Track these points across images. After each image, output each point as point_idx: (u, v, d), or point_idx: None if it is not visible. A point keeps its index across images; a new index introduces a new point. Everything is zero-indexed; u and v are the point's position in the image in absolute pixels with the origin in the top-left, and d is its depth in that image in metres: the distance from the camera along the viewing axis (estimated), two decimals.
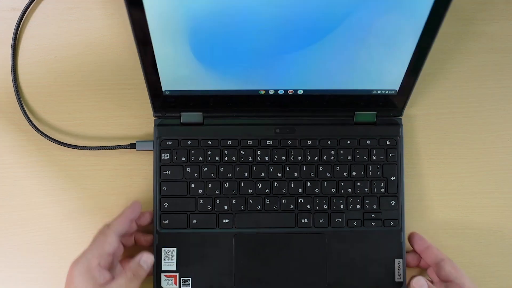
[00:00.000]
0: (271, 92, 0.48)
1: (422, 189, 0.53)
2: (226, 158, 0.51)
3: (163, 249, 0.50)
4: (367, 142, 0.51)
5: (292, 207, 0.51)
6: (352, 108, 0.51)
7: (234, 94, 0.49)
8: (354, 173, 0.51)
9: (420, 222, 0.53)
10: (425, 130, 0.54)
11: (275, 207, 0.51)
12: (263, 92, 0.48)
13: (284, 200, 0.51)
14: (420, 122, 0.54)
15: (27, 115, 0.54)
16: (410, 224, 0.52)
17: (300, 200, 0.51)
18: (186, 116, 0.51)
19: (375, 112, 0.51)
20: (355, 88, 0.47)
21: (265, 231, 0.50)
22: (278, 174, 0.51)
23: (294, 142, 0.51)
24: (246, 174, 0.51)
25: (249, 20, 0.37)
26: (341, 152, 0.51)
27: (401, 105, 0.50)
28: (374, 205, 0.50)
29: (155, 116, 0.52)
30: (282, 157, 0.51)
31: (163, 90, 0.48)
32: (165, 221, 0.51)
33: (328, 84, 0.47)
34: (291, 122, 0.52)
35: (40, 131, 0.54)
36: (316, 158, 0.51)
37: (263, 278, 0.50)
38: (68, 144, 0.54)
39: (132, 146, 0.53)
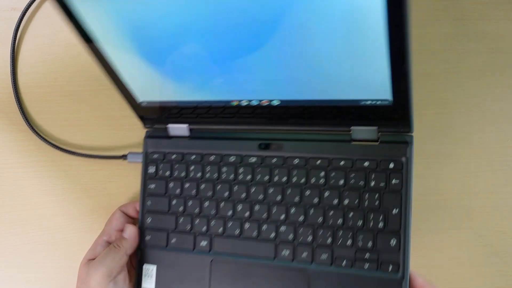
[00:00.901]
0: (245, 103, 0.44)
1: (421, 188, 0.52)
2: (207, 175, 0.48)
3: (144, 265, 0.49)
4: (365, 164, 0.43)
5: (272, 235, 0.45)
6: (347, 122, 0.43)
7: (210, 106, 0.46)
8: (346, 201, 0.43)
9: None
10: (424, 131, 0.53)
11: (254, 233, 0.45)
12: (235, 103, 0.44)
13: (264, 227, 0.45)
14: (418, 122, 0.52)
15: (25, 116, 0.54)
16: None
17: (282, 228, 0.45)
18: (173, 129, 0.50)
19: (376, 127, 0.42)
20: (335, 98, 0.40)
21: (242, 260, 0.46)
22: (260, 197, 0.46)
23: (279, 161, 0.45)
24: (226, 194, 0.47)
25: (191, 29, 0.35)
26: (332, 174, 0.43)
27: (404, 117, 0.40)
28: (369, 243, 0.42)
29: (145, 127, 0.51)
30: (265, 177, 0.46)
31: (140, 101, 0.47)
32: (147, 237, 0.49)
33: (304, 95, 0.41)
34: (278, 137, 0.46)
35: (38, 133, 0.54)
36: (302, 181, 0.44)
37: None
38: (64, 149, 0.54)
39: (124, 157, 0.53)
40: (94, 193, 0.55)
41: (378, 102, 0.39)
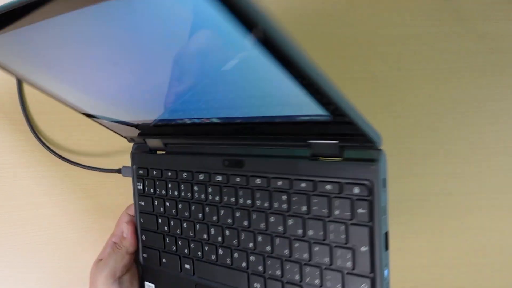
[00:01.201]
0: (188, 121, 0.39)
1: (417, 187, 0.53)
2: (182, 194, 0.44)
3: (145, 283, 0.48)
4: (327, 187, 0.34)
5: (244, 264, 0.40)
6: (304, 137, 0.35)
7: (166, 123, 0.41)
8: (310, 232, 0.35)
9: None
10: (419, 133, 0.53)
11: (228, 260, 0.41)
12: (179, 120, 0.39)
13: (235, 254, 0.40)
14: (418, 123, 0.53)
15: (28, 120, 0.54)
16: None
17: (252, 257, 0.39)
18: (151, 143, 0.46)
19: (336, 142, 0.33)
20: (271, 114, 0.32)
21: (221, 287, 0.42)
22: (229, 220, 0.40)
23: (242, 180, 0.39)
24: (200, 216, 0.42)
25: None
26: (295, 199, 0.36)
27: (357, 132, 0.29)
28: (338, 286, 0.34)
29: (129, 142, 0.49)
30: (232, 199, 0.40)
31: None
32: (144, 255, 0.48)
33: (239, 112, 0.34)
34: (242, 153, 0.40)
35: (40, 140, 0.54)
36: (266, 205, 0.37)
37: None
38: (64, 158, 0.54)
39: (119, 171, 0.52)
40: (94, 193, 0.54)
41: (316, 117, 0.30)
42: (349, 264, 0.33)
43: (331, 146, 0.33)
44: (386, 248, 0.32)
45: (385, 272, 0.32)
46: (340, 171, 0.33)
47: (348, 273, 0.33)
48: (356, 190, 0.32)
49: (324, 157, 0.35)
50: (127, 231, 0.47)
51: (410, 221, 0.52)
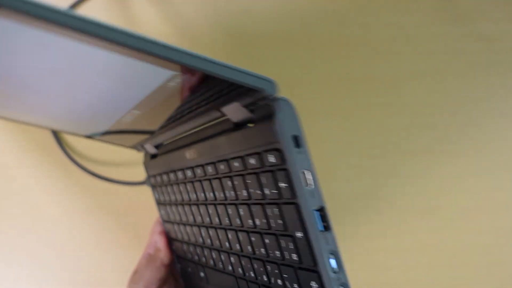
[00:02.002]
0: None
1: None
2: (178, 197, 0.40)
3: None
4: (251, 161, 0.26)
5: (239, 270, 0.33)
6: (215, 107, 0.28)
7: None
8: (257, 222, 0.28)
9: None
10: (419, 133, 0.53)
11: (229, 267, 0.35)
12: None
13: (232, 259, 0.34)
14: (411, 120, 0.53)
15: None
16: None
17: (243, 261, 0.32)
18: (148, 148, 0.44)
19: (238, 103, 0.26)
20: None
21: None
22: (215, 221, 0.34)
23: (201, 171, 0.33)
24: (191, 219, 0.39)
25: None
26: (236, 184, 0.29)
27: (235, 84, 0.23)
28: (295, 285, 0.26)
29: (139, 151, 0.47)
30: (201, 196, 0.35)
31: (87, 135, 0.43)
32: (179, 266, 0.46)
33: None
34: (188, 142, 0.35)
35: (65, 151, 0.53)
36: (222, 196, 0.32)
37: None
38: (87, 170, 0.52)
39: (143, 183, 0.51)
40: (94, 193, 0.53)
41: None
42: (294, 256, 0.25)
43: (236, 109, 0.26)
44: (325, 228, 0.23)
45: (331, 261, 0.23)
46: (254, 137, 0.26)
47: (299, 268, 0.25)
48: (271, 158, 0.24)
49: (250, 124, 0.27)
50: (160, 242, 0.45)
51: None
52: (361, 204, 0.52)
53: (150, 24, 0.52)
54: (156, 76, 0.24)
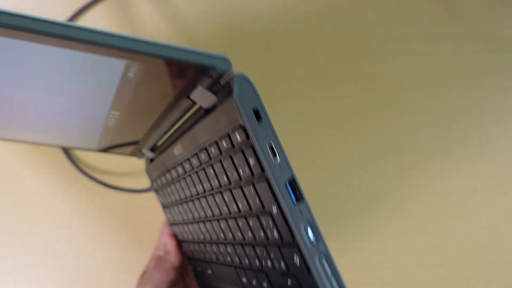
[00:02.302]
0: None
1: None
2: (181, 195, 0.40)
3: None
4: (223, 144, 0.26)
5: (237, 260, 0.32)
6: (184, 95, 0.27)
7: None
8: (240, 206, 0.28)
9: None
10: (418, 133, 0.53)
11: (228, 259, 0.34)
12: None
13: (228, 249, 0.33)
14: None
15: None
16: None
17: (238, 250, 0.31)
18: (146, 153, 0.44)
19: (200, 86, 0.25)
20: None
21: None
22: (216, 213, 0.33)
23: (188, 165, 0.33)
24: (192, 216, 0.38)
25: None
26: (216, 170, 0.29)
27: (186, 65, 0.23)
28: (282, 263, 0.25)
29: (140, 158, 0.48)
30: (200, 188, 0.34)
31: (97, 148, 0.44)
32: (191, 267, 0.46)
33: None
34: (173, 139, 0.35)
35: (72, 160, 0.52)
36: (209, 186, 0.31)
37: None
38: (95, 179, 0.52)
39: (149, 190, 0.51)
40: (95, 192, 0.52)
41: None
42: (276, 234, 0.24)
43: (201, 94, 0.26)
44: (297, 199, 0.23)
45: (308, 232, 0.23)
46: (221, 119, 0.25)
47: (282, 245, 0.25)
48: (238, 136, 0.24)
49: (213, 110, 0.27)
50: (170, 245, 0.45)
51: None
52: (363, 205, 0.52)
53: (150, 24, 0.53)
54: (112, 69, 0.24)
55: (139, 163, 0.52)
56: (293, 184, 0.23)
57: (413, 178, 0.53)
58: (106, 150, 0.43)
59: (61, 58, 0.22)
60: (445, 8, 0.55)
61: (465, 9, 0.55)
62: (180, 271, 0.45)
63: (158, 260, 0.44)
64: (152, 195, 0.52)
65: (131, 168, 0.53)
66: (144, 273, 0.43)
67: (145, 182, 0.52)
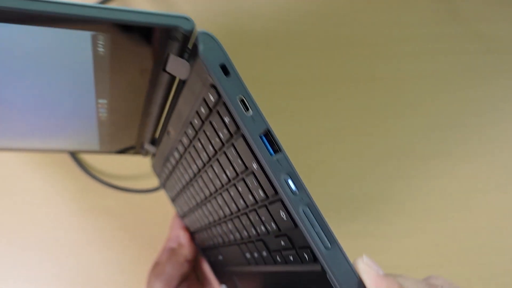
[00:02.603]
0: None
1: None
2: (178, 186, 0.40)
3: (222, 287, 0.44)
4: (202, 111, 0.26)
5: (238, 235, 0.32)
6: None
7: None
8: (228, 173, 0.27)
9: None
10: (418, 133, 0.53)
11: (231, 236, 0.33)
12: None
13: (229, 226, 0.33)
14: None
15: None
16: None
17: (240, 225, 0.31)
18: (149, 148, 0.44)
19: (171, 54, 0.25)
20: None
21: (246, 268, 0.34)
22: (206, 191, 0.33)
23: (186, 140, 0.32)
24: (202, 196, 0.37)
25: None
26: (203, 142, 0.28)
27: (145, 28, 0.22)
28: (272, 224, 0.25)
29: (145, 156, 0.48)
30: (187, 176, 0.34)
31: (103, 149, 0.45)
32: (206, 258, 0.46)
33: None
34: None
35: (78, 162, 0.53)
36: (199, 162, 0.31)
37: None
38: (102, 180, 0.52)
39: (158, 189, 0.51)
40: (94, 192, 0.52)
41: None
42: (261, 193, 0.24)
43: (174, 63, 0.26)
44: (275, 151, 0.22)
45: (289, 183, 0.22)
46: (194, 84, 0.25)
47: (268, 204, 0.24)
48: (211, 97, 0.24)
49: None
50: (184, 238, 0.45)
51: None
52: (363, 205, 0.52)
53: None
54: (81, 46, 0.24)
55: (142, 166, 0.52)
56: (269, 136, 0.22)
57: (413, 178, 0.53)
58: (109, 150, 0.44)
59: (26, 46, 0.23)
60: (445, 8, 0.55)
61: (465, 9, 0.55)
62: (193, 264, 0.45)
63: (171, 252, 0.44)
64: (152, 196, 0.52)
65: (136, 171, 0.53)
66: (157, 264, 0.43)
67: (147, 184, 0.52)
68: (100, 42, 0.23)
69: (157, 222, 0.51)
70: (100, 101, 0.32)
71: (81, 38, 0.23)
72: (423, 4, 0.55)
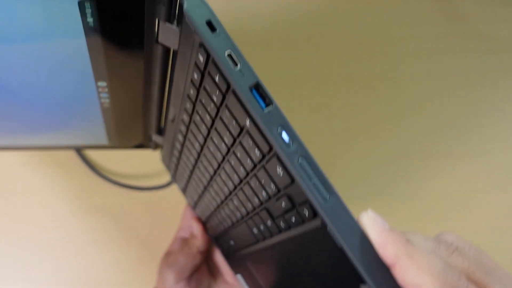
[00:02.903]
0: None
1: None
2: (186, 173, 0.40)
3: (237, 276, 0.43)
4: (195, 77, 0.25)
5: (244, 210, 0.32)
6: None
7: None
8: (225, 139, 0.26)
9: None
10: (419, 133, 0.53)
11: (238, 214, 0.33)
12: None
13: (235, 202, 0.32)
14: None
15: None
16: None
17: (243, 197, 0.30)
18: (156, 139, 0.44)
19: (161, 21, 0.25)
20: None
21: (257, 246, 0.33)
22: (210, 169, 0.33)
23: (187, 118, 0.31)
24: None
25: None
26: (200, 112, 0.28)
27: None
28: (272, 185, 0.24)
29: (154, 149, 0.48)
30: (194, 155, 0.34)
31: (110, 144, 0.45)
32: (219, 249, 0.46)
33: None
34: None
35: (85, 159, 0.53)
36: (201, 138, 0.30)
37: None
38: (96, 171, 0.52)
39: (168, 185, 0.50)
40: (94, 192, 0.52)
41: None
42: (257, 152, 0.23)
43: (166, 31, 0.26)
44: (266, 104, 0.22)
45: (283, 136, 0.21)
46: (185, 48, 0.25)
47: (266, 163, 0.23)
48: (200, 57, 0.23)
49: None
50: (197, 229, 0.44)
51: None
52: (363, 205, 0.52)
53: None
54: (68, 16, 0.24)
55: (152, 164, 0.52)
56: (260, 90, 0.22)
57: (413, 178, 0.53)
58: (117, 144, 0.44)
59: (16, 26, 0.23)
60: (445, 8, 0.55)
61: (465, 9, 0.55)
62: (205, 255, 0.44)
63: (183, 242, 0.43)
64: (152, 195, 0.52)
65: (146, 169, 0.53)
66: (169, 254, 0.42)
67: (158, 181, 0.52)
68: (88, 10, 0.24)
69: (164, 221, 0.51)
70: (100, 83, 0.32)
71: (69, 7, 0.23)
72: (423, 4, 0.56)
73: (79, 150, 0.53)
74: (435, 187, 0.52)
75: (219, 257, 0.45)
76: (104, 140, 0.43)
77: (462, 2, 0.56)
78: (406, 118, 0.53)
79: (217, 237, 0.43)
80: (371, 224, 0.21)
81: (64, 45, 0.27)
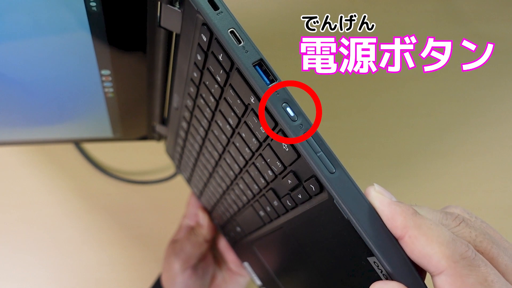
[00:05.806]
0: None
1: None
2: (190, 162, 0.40)
3: (244, 264, 0.44)
4: (198, 58, 0.25)
5: (249, 193, 0.32)
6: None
7: None
8: (230, 120, 0.26)
9: None
10: (419, 133, 0.53)
11: (244, 198, 0.33)
12: None
13: (241, 186, 0.32)
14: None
15: None
16: None
17: (249, 179, 0.30)
18: (160, 129, 0.44)
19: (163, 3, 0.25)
20: None
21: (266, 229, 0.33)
22: (215, 153, 0.33)
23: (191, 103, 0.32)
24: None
25: None
26: (204, 95, 0.28)
27: None
28: (278, 163, 0.24)
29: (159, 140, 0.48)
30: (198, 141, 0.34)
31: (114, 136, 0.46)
32: (226, 237, 0.46)
33: None
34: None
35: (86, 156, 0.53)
36: (205, 122, 0.31)
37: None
38: (98, 167, 0.52)
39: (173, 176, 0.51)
40: (94, 192, 0.53)
41: None
42: (262, 130, 0.24)
43: (168, 14, 0.26)
44: (270, 81, 0.22)
45: (288, 111, 0.21)
46: (188, 30, 0.25)
47: (271, 141, 0.24)
48: (204, 37, 0.24)
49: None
50: (203, 218, 0.45)
51: None
52: None
53: None
54: (72, 2, 0.24)
55: (156, 158, 0.53)
56: (264, 66, 0.22)
57: (413, 178, 0.53)
58: (122, 136, 0.44)
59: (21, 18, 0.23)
60: (445, 8, 0.55)
61: (465, 9, 0.55)
62: (211, 244, 0.45)
63: (189, 231, 0.44)
64: (152, 191, 0.52)
65: (150, 164, 0.53)
66: (175, 242, 0.43)
67: (162, 175, 0.52)
68: None
69: (169, 215, 0.51)
70: (103, 72, 0.32)
71: None
72: (423, 4, 0.55)
73: (79, 146, 0.53)
74: (435, 187, 0.52)
75: (224, 246, 0.45)
76: (108, 132, 0.43)
77: (462, 2, 0.56)
78: (405, 118, 0.54)
79: (223, 225, 0.43)
80: (379, 196, 0.21)
81: (67, 32, 0.27)
